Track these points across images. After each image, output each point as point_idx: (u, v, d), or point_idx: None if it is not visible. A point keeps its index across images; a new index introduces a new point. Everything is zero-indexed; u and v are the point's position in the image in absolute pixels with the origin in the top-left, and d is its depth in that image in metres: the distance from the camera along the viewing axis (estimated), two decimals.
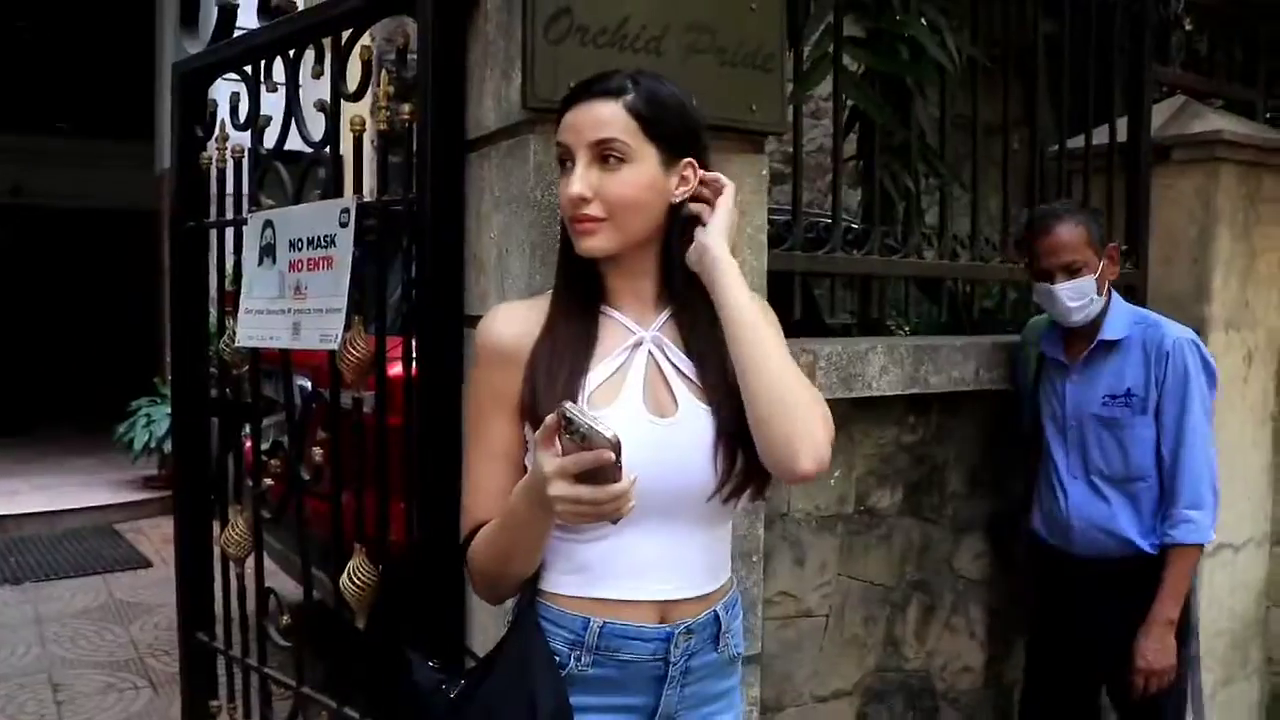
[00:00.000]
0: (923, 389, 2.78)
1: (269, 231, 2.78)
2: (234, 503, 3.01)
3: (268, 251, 2.79)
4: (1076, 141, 3.57)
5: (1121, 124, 3.62)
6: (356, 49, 2.56)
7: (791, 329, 2.60)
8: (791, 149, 2.66)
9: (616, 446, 1.24)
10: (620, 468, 1.26)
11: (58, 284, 14.21)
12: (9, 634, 4.99)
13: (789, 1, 2.38)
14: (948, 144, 3.01)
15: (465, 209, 2.22)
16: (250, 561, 2.91)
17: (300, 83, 2.75)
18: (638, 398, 1.48)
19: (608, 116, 1.46)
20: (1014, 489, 3.12)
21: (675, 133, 1.50)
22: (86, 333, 13.62)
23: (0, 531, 6.99)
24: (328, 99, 2.61)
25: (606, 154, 1.46)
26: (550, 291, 1.59)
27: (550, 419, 1.28)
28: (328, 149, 2.62)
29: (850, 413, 2.70)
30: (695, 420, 1.48)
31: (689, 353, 1.53)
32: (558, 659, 1.47)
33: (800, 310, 2.70)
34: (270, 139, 2.89)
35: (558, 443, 1.28)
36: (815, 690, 2.72)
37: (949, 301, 3.11)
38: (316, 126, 2.67)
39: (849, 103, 2.95)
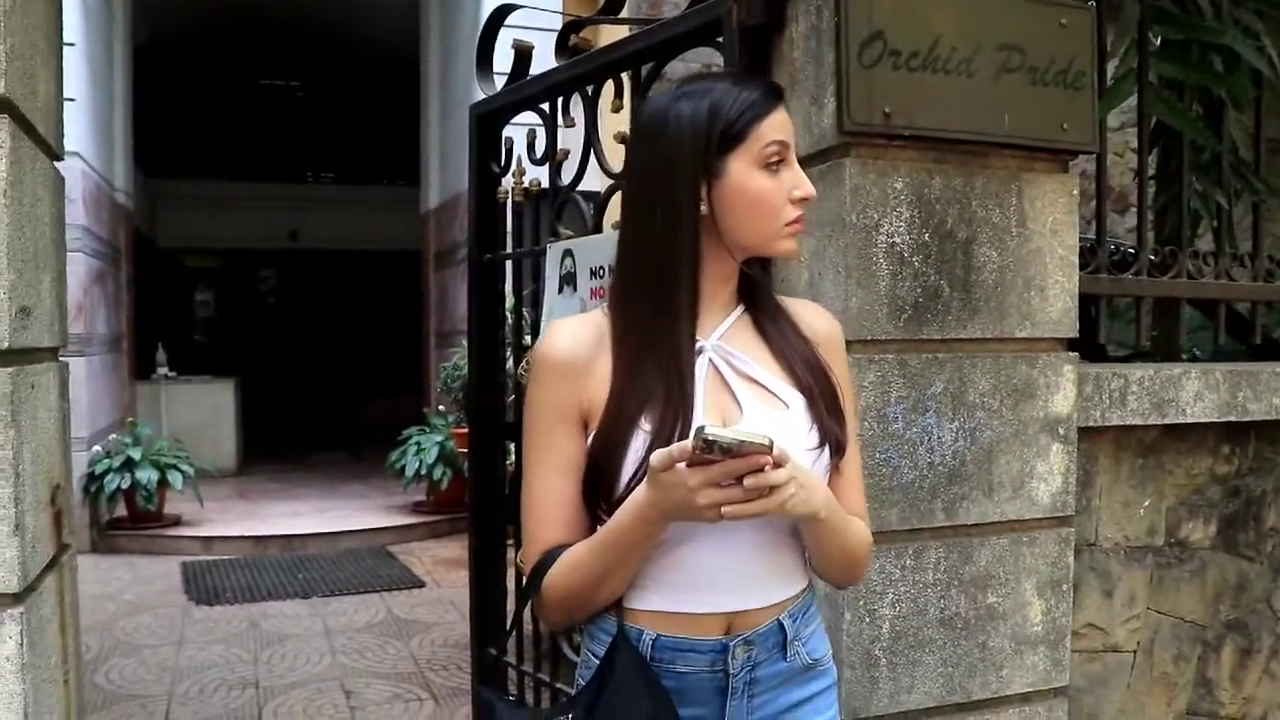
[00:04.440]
0: (1239, 416, 2.63)
1: (569, 260, 2.91)
2: None
3: (568, 280, 2.92)
4: None
5: None
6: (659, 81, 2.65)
7: (1088, 353, 2.54)
8: (1095, 169, 2.59)
9: (771, 448, 1.23)
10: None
11: (329, 321, 15.27)
12: (304, 644, 5.35)
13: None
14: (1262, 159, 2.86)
15: None
16: None
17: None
18: (699, 408, 1.42)
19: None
20: None
21: None
22: (355, 365, 14.53)
23: (288, 550, 7.53)
24: (627, 131, 2.70)
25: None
26: (599, 309, 1.55)
27: (687, 445, 1.24)
28: None
29: (1161, 440, 2.59)
30: (766, 424, 1.40)
31: (774, 353, 1.49)
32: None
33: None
34: (567, 173, 3.03)
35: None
36: None
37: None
38: (616, 159, 2.77)
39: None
